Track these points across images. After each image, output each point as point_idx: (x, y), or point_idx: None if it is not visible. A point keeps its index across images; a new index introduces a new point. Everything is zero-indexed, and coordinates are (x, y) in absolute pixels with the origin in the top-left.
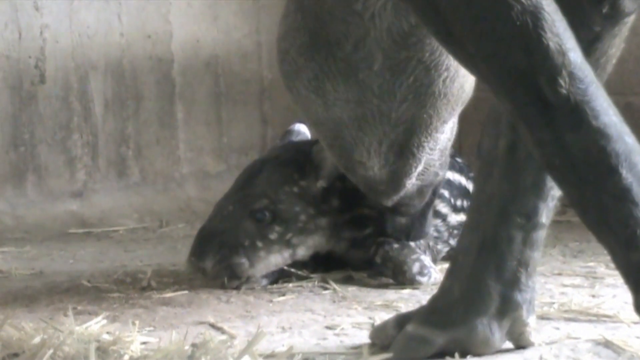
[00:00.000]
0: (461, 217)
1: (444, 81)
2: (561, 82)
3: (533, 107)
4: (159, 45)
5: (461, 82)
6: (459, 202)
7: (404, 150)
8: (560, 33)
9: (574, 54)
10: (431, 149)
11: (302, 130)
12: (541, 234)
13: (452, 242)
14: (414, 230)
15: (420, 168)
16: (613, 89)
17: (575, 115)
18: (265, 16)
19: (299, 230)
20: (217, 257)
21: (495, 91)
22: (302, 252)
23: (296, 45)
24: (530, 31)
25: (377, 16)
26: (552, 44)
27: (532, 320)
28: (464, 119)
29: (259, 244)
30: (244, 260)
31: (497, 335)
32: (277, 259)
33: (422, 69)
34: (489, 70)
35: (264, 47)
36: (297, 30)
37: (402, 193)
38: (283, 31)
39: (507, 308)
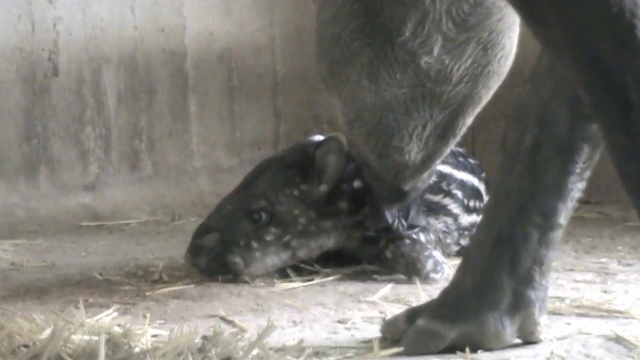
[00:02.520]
0: (473, 218)
1: (499, 60)
2: None
3: (613, 106)
4: (172, 38)
5: (511, 58)
6: (471, 203)
7: (447, 132)
8: None
9: None
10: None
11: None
12: (558, 234)
13: (463, 242)
14: (409, 217)
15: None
16: None
17: None
18: (278, 10)
19: (298, 232)
20: (212, 255)
21: (575, 80)
22: (304, 254)
23: (349, 29)
24: (626, 20)
25: None
26: None
27: (543, 319)
28: (477, 115)
29: (255, 244)
30: (238, 260)
31: (509, 330)
32: (273, 260)
33: (480, 49)
34: (572, 57)
35: (277, 41)
36: (349, 14)
37: (425, 175)
38: (331, 15)
39: (519, 304)
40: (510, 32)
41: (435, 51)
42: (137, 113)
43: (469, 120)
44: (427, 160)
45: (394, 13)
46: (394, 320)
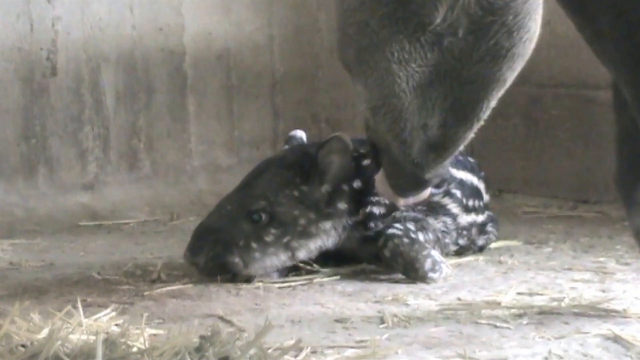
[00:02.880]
0: (472, 218)
1: (524, 43)
2: None
3: None
4: (171, 37)
5: (534, 41)
6: (470, 203)
7: (468, 112)
8: None
9: None
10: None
11: (299, 135)
12: None
13: (462, 242)
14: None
15: None
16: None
17: None
18: (277, 9)
19: (298, 233)
20: (210, 255)
21: (617, 76)
22: (303, 255)
23: (377, 16)
24: None
25: None
26: None
27: None
28: None
29: (254, 245)
30: (237, 260)
31: None
32: (273, 260)
33: (505, 32)
34: (617, 52)
35: (276, 40)
36: (378, 1)
37: (447, 162)
38: (358, 2)
39: None
40: (535, 15)
41: (461, 33)
42: (136, 112)
43: (493, 103)
44: (450, 145)
45: (425, 0)
46: None
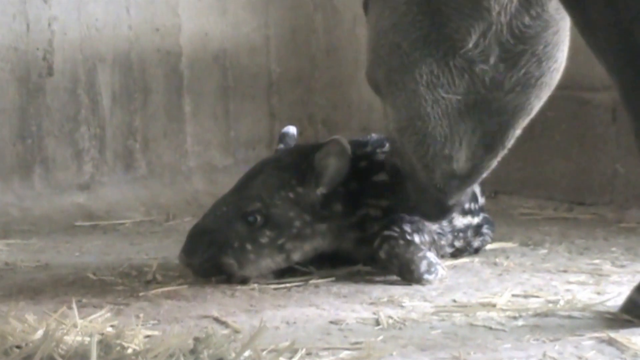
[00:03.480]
0: (467, 220)
1: (551, 72)
2: None
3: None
4: (167, 38)
5: (561, 71)
6: (466, 205)
7: (496, 141)
8: None
9: None
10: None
11: (292, 132)
12: None
13: (457, 244)
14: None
15: None
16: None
17: None
18: (274, 10)
19: (293, 235)
20: (205, 256)
21: (606, 65)
22: (298, 257)
23: (410, 39)
24: None
25: (503, 11)
26: None
27: None
28: None
29: (249, 246)
30: (232, 262)
31: None
32: (267, 262)
33: (535, 61)
34: (606, 41)
35: (272, 41)
36: (412, 24)
37: (469, 190)
38: (390, 24)
39: None
40: (563, 46)
41: (492, 60)
42: (132, 113)
43: (519, 132)
44: (474, 172)
45: (460, 25)
46: (632, 299)
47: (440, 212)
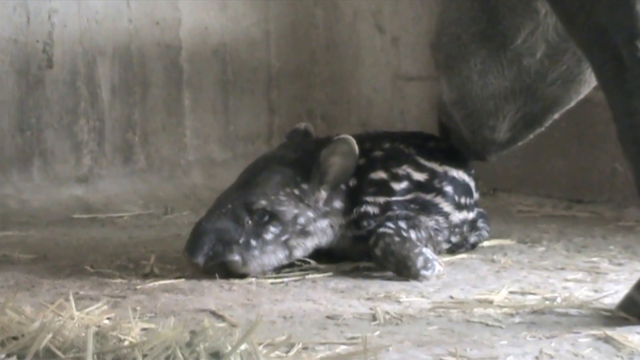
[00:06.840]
0: (464, 215)
1: (590, 71)
2: (638, 45)
3: (608, 66)
4: (167, 31)
5: None
6: (462, 200)
7: (535, 122)
8: None
9: None
10: None
11: (310, 131)
12: None
13: (454, 239)
14: None
15: None
16: None
17: None
18: (274, 5)
19: (297, 232)
20: (210, 254)
21: (581, 50)
22: (300, 254)
23: (470, 32)
24: None
25: (549, 13)
26: (638, 5)
27: None
28: None
29: (254, 243)
30: (237, 258)
31: None
32: (271, 259)
33: (575, 59)
34: (576, 26)
35: (272, 35)
36: (473, 19)
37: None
38: (455, 17)
39: None
40: None
41: (538, 55)
42: (131, 106)
43: (557, 116)
44: (512, 141)
45: (512, 23)
46: (631, 297)
47: (478, 160)
